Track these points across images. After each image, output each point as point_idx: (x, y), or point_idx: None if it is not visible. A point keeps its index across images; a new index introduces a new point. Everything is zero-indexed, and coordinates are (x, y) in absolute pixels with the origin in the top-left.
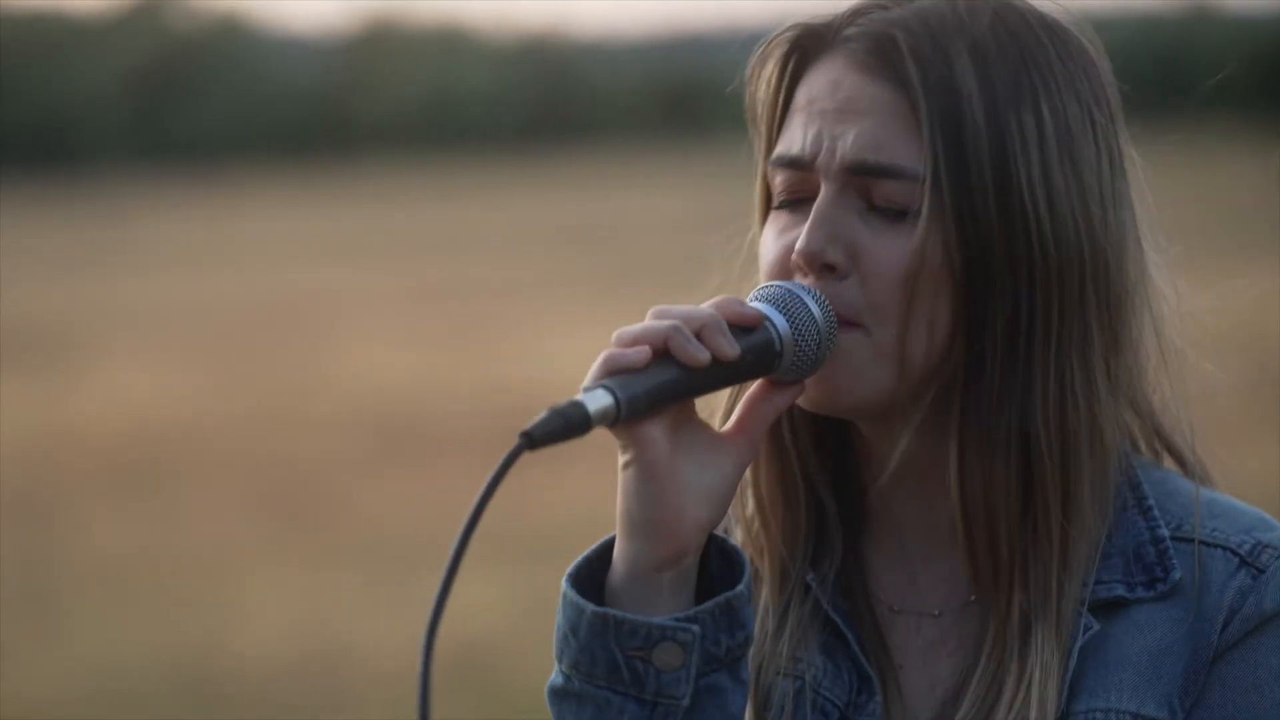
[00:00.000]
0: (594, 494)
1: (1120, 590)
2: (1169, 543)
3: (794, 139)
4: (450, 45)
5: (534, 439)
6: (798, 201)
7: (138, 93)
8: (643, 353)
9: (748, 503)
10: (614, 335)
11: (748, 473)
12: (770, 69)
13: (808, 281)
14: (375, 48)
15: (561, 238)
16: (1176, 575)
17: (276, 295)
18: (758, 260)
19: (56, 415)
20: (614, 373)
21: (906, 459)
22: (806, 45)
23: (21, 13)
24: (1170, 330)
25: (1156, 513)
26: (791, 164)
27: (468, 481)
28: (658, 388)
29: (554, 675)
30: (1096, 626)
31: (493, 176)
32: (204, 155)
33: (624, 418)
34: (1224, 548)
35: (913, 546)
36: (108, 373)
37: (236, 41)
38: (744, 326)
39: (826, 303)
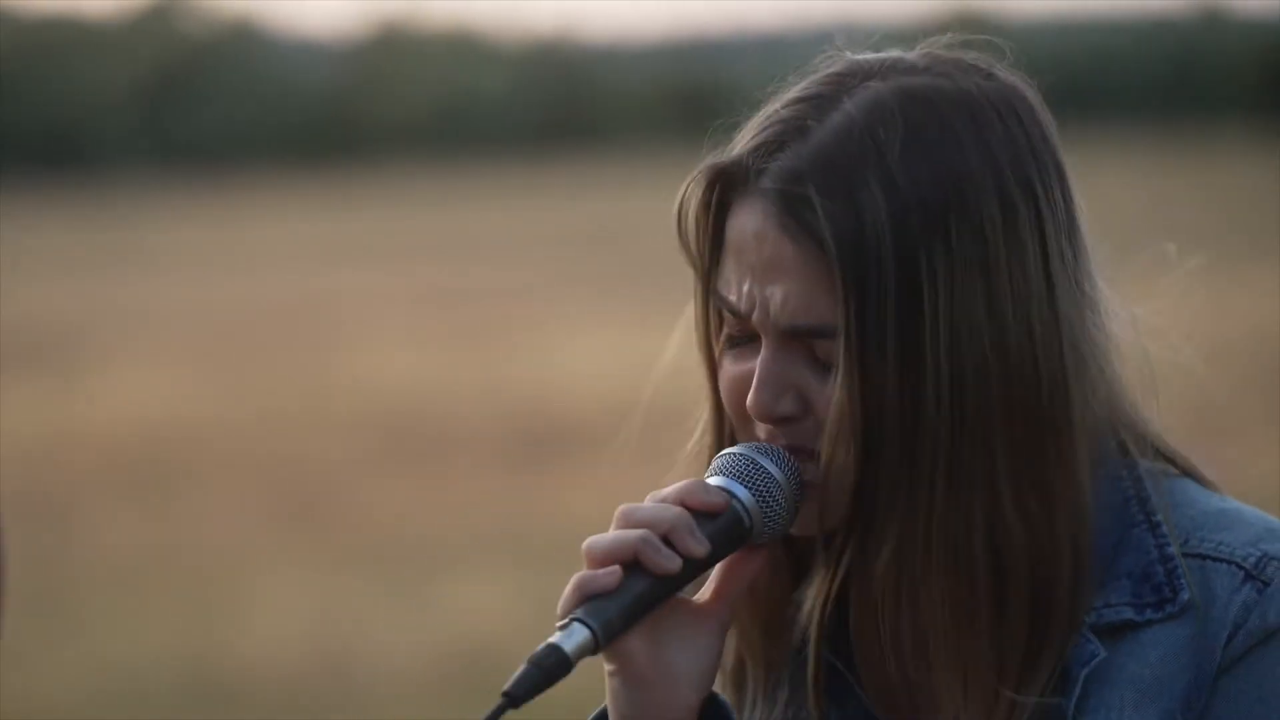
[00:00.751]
0: (604, 498)
1: (1129, 613)
2: (1178, 561)
3: (731, 283)
4: (462, 49)
5: (515, 698)
6: (747, 341)
7: (149, 96)
8: (614, 574)
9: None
10: (584, 547)
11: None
12: (695, 208)
13: (763, 429)
14: (387, 52)
15: (572, 241)
16: (1185, 596)
17: (286, 298)
18: (710, 377)
19: (66, 417)
20: (586, 598)
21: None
22: (724, 185)
23: (33, 17)
24: (1140, 365)
25: (1165, 528)
26: (733, 312)
27: (476, 483)
28: (632, 604)
29: None
30: (1103, 654)
31: (504, 180)
32: (214, 158)
33: (602, 645)
34: (1229, 561)
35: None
36: (117, 375)
37: (248, 45)
38: (710, 513)
39: (786, 457)
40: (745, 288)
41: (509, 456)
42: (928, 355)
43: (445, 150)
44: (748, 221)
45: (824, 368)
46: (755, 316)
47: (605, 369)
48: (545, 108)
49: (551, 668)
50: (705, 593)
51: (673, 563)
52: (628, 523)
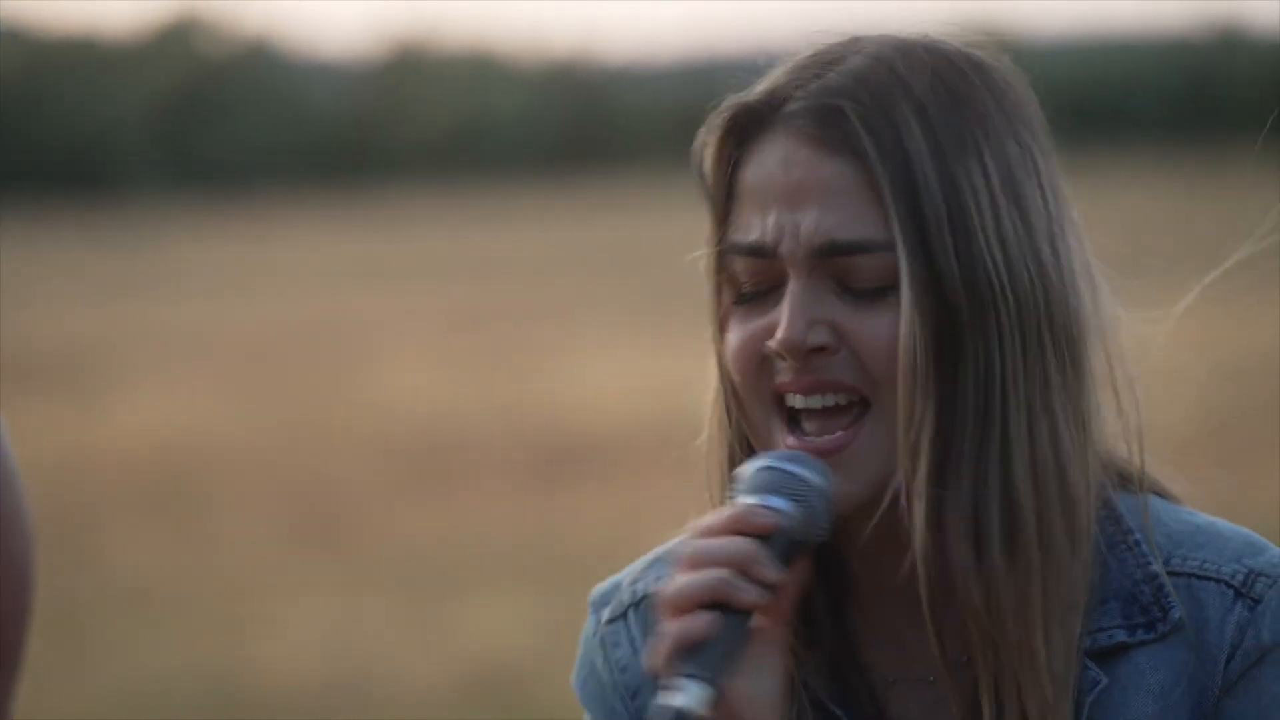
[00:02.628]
0: (621, 518)
1: (1122, 635)
2: (1163, 579)
3: (751, 225)
4: (479, 70)
5: None
6: (763, 293)
7: (167, 116)
8: (706, 620)
9: None
10: (666, 599)
11: None
12: (710, 154)
13: (790, 370)
14: (405, 72)
15: (591, 262)
16: (1176, 615)
17: (306, 318)
18: (717, 359)
19: (89, 438)
20: (688, 651)
21: (882, 526)
22: (746, 125)
23: (51, 37)
24: (1126, 359)
25: (1144, 547)
26: (753, 252)
27: (497, 505)
28: (731, 646)
29: None
30: (1105, 680)
31: (522, 201)
32: (232, 179)
33: (720, 695)
34: (1217, 580)
35: (897, 612)
36: (138, 396)
37: (265, 65)
38: (764, 535)
39: (809, 460)
40: (770, 221)
41: (529, 477)
42: (990, 276)
43: (463, 171)
44: (770, 154)
45: (857, 296)
46: (783, 246)
47: (625, 390)
48: (563, 128)
49: None
50: (766, 618)
51: (756, 595)
52: (700, 564)
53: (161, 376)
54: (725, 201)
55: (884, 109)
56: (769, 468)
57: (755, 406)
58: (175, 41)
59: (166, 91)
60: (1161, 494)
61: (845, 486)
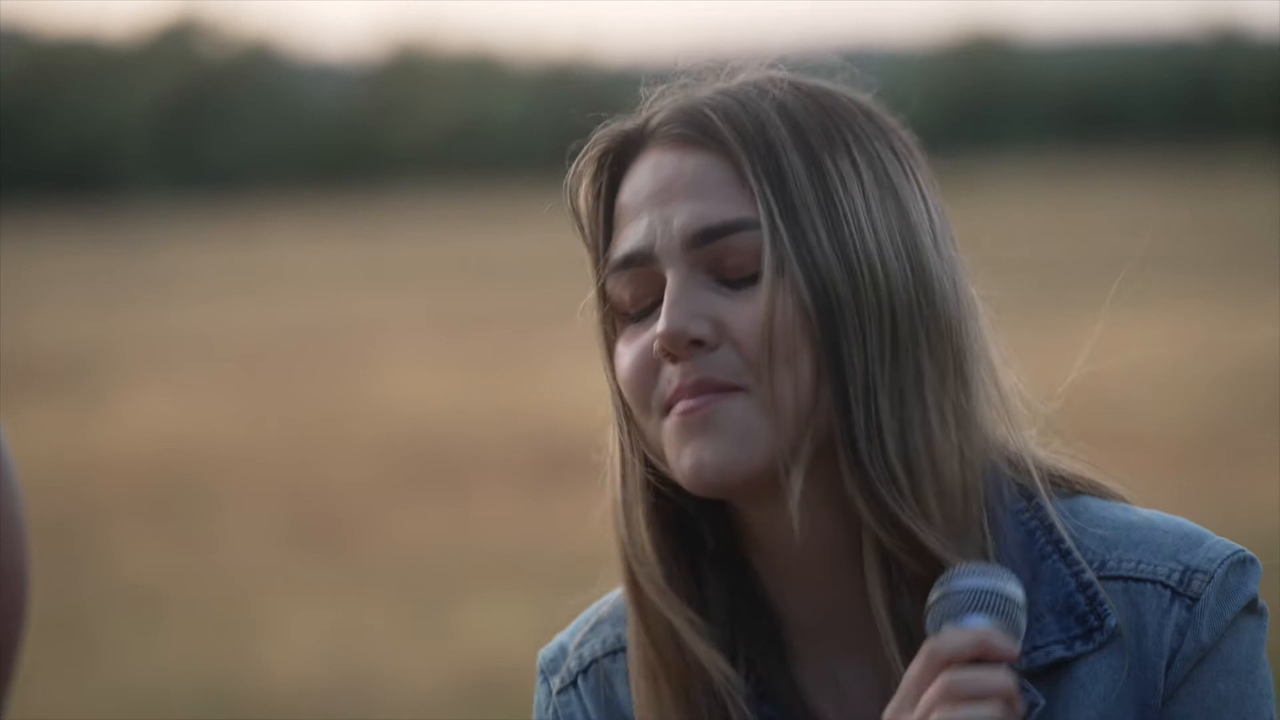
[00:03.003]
0: None
1: (1059, 651)
2: (1097, 587)
3: (625, 239)
4: (478, 72)
5: None
6: (646, 310)
7: (168, 119)
8: None
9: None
10: None
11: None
12: (585, 186)
13: (677, 374)
14: (404, 75)
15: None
16: (1113, 622)
17: (307, 322)
18: (611, 396)
19: (88, 441)
20: None
21: (800, 543)
22: (618, 151)
23: (51, 40)
24: (1004, 372)
25: (1076, 554)
26: (630, 262)
27: (498, 508)
28: None
29: None
30: (1043, 701)
31: (522, 204)
32: (233, 182)
33: None
34: (1152, 581)
35: (830, 653)
36: (139, 399)
37: (265, 68)
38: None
39: (1009, 574)
40: (642, 227)
41: (528, 481)
42: (863, 261)
43: (462, 173)
44: (641, 170)
45: (734, 287)
46: (658, 245)
47: None
48: (562, 131)
49: None
50: None
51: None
52: (972, 695)
53: (163, 379)
54: (605, 232)
55: (746, 107)
56: (986, 592)
57: (648, 424)
58: (175, 44)
59: (167, 94)
60: (1098, 492)
61: (720, 448)
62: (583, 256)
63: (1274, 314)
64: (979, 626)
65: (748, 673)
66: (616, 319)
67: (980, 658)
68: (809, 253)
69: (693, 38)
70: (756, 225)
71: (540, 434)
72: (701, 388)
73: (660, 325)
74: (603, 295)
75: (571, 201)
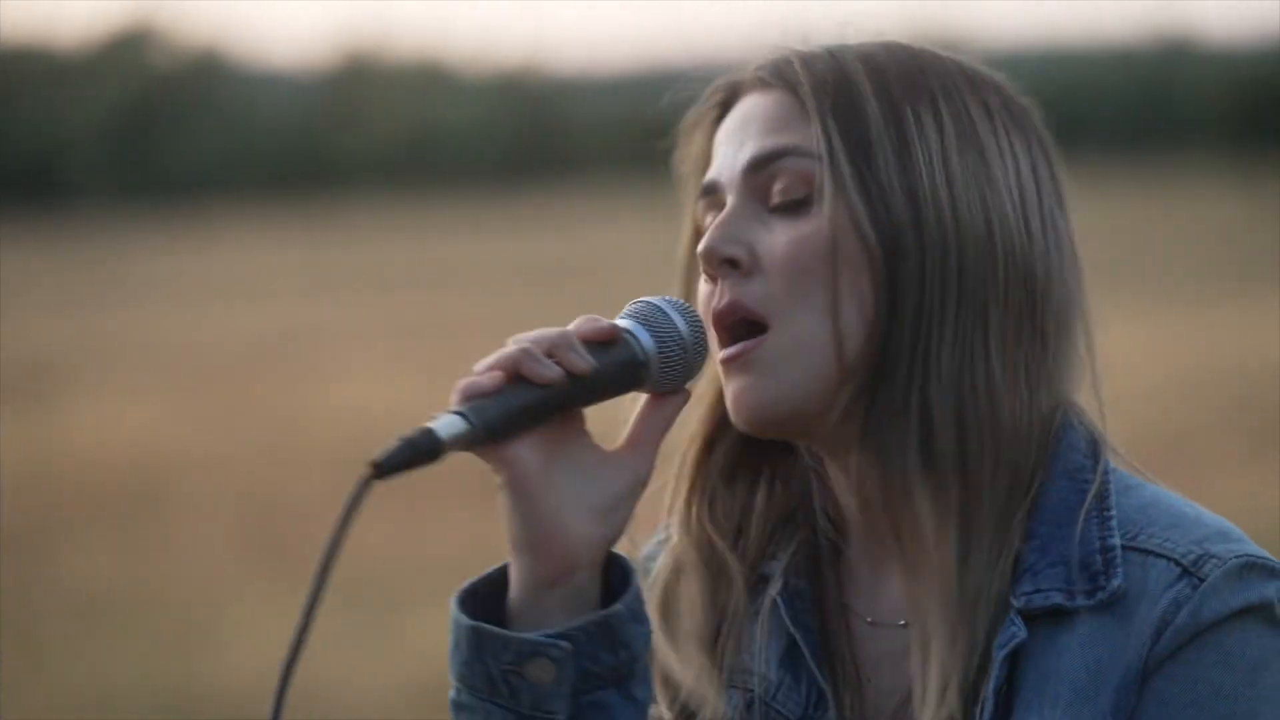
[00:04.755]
0: None
1: (1058, 598)
2: (1118, 551)
3: (707, 174)
4: (429, 80)
5: (382, 468)
6: None
7: (120, 127)
8: (495, 377)
9: (713, 515)
10: (474, 368)
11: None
12: (701, 132)
13: (715, 288)
14: (355, 83)
15: (541, 273)
16: (1116, 583)
17: (260, 331)
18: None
19: (42, 450)
20: (469, 399)
21: (854, 481)
22: (724, 99)
23: (2, 48)
24: (1096, 335)
25: (1114, 522)
26: (705, 192)
27: (448, 515)
28: (516, 408)
29: (450, 689)
30: (1024, 634)
31: (473, 212)
32: (184, 190)
33: (481, 439)
34: (1169, 558)
35: (878, 556)
36: (92, 408)
37: (216, 76)
38: (602, 342)
39: (695, 316)
40: (719, 159)
41: (479, 489)
42: (933, 208)
43: (414, 181)
44: (734, 112)
45: (781, 216)
46: (724, 175)
47: None
48: (513, 138)
49: (421, 445)
50: (620, 439)
51: (552, 370)
52: (515, 343)
53: (115, 387)
54: (705, 169)
55: (834, 54)
56: (647, 300)
57: (711, 337)
58: (126, 52)
59: (119, 102)
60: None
61: (755, 386)
62: (668, 219)
63: (1229, 321)
64: (608, 323)
65: (787, 572)
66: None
67: (577, 330)
68: (875, 184)
69: (643, 46)
70: (808, 153)
71: None
72: (731, 311)
73: (700, 245)
74: (697, 232)
75: (686, 147)
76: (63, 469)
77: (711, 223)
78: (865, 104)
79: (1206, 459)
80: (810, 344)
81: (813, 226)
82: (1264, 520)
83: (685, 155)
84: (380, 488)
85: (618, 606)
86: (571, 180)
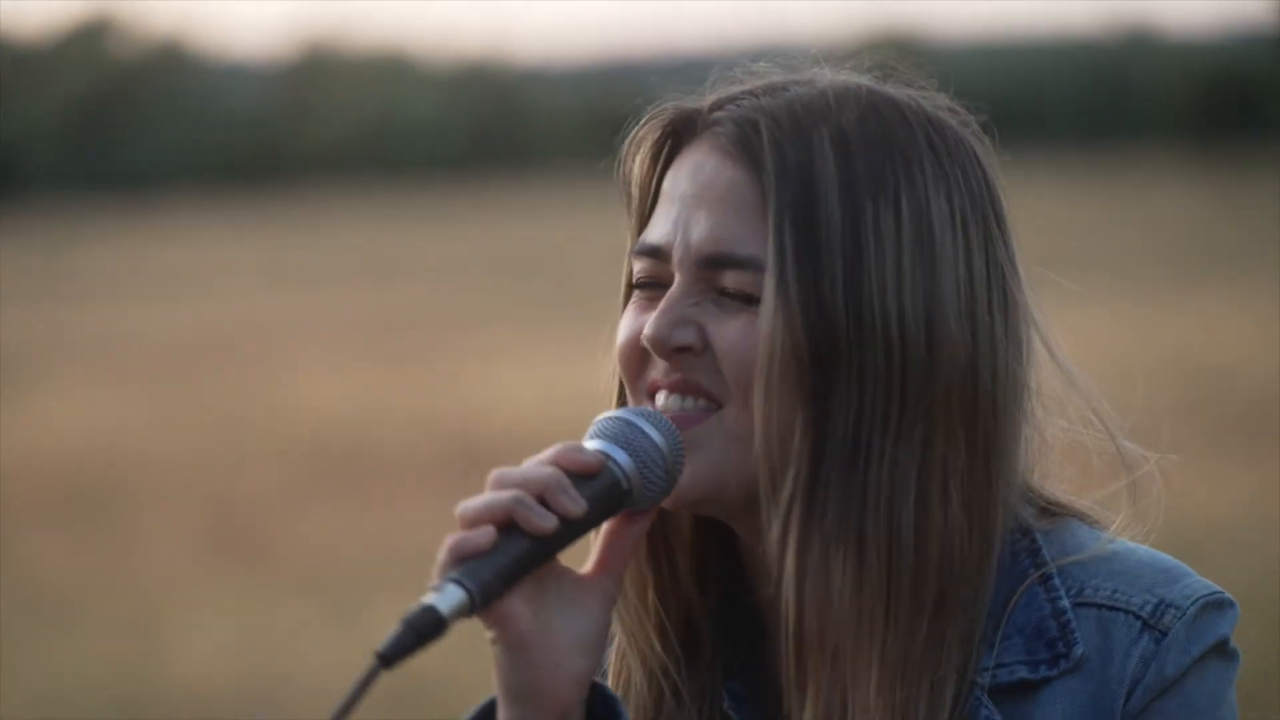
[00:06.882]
0: None
1: (1023, 672)
2: (1070, 614)
3: (656, 226)
4: (390, 71)
5: (388, 659)
6: (654, 289)
7: (78, 119)
8: (487, 534)
9: (648, 636)
10: (457, 512)
11: (625, 609)
12: (643, 155)
13: (661, 369)
14: (315, 74)
15: (502, 265)
16: (1079, 651)
17: (218, 324)
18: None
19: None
20: (461, 559)
21: (778, 573)
22: (679, 130)
23: None
24: (1051, 414)
25: (1057, 581)
26: (649, 253)
27: (406, 509)
28: (510, 565)
29: None
30: (998, 718)
31: (433, 203)
32: (145, 181)
33: (479, 606)
34: (1125, 611)
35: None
36: (48, 401)
37: (176, 67)
38: (586, 474)
39: (667, 422)
40: (669, 224)
41: (439, 482)
42: (877, 304)
43: (374, 173)
44: (689, 160)
45: (730, 302)
46: (675, 250)
47: (535, 393)
48: (474, 129)
49: (425, 628)
50: (589, 563)
51: (548, 521)
52: (501, 484)
53: (72, 381)
54: (650, 203)
55: (801, 132)
56: (616, 418)
57: (634, 399)
58: (85, 43)
59: (77, 93)
60: (1083, 519)
61: (695, 467)
62: (627, 223)
63: (1188, 312)
64: (590, 445)
65: (722, 653)
66: (630, 286)
67: (557, 463)
68: (817, 294)
69: (604, 38)
70: (761, 266)
71: (452, 435)
72: (682, 388)
73: (647, 327)
74: (630, 262)
75: (625, 167)
76: (17, 464)
77: (647, 273)
78: (824, 205)
79: (1167, 450)
80: (744, 437)
81: (760, 328)
82: (1225, 511)
83: (629, 174)
84: (330, 480)
85: None
86: (532, 171)
